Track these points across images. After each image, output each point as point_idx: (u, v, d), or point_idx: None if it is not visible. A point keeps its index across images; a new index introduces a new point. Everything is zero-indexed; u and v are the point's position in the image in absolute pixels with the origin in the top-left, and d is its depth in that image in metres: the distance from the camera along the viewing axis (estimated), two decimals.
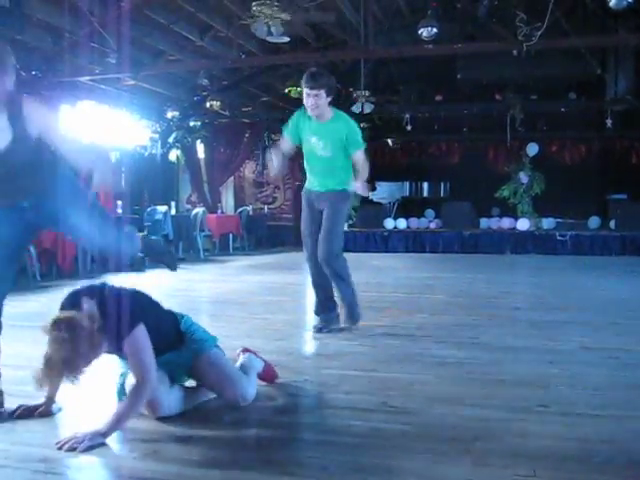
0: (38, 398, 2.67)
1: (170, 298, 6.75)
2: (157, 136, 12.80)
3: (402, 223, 13.90)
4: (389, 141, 15.37)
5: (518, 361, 3.73)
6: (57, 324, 2.32)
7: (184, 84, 12.61)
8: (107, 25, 8.84)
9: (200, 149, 14.53)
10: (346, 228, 14.03)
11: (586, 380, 3.29)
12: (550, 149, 14.76)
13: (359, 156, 4.54)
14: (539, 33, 8.24)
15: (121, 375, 2.74)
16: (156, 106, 12.65)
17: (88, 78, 10.04)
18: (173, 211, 11.78)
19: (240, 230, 13.20)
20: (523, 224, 13.16)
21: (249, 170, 16.01)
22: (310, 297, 4.84)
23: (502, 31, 9.52)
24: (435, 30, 9.21)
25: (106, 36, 8.92)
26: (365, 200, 11.58)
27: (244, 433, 2.57)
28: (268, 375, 3.20)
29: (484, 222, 13.91)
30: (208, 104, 12.30)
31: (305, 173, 4.77)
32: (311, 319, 4.90)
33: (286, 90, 12.18)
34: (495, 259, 11.63)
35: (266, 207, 15.86)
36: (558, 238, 12.50)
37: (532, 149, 13.63)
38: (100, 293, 2.52)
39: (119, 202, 11.05)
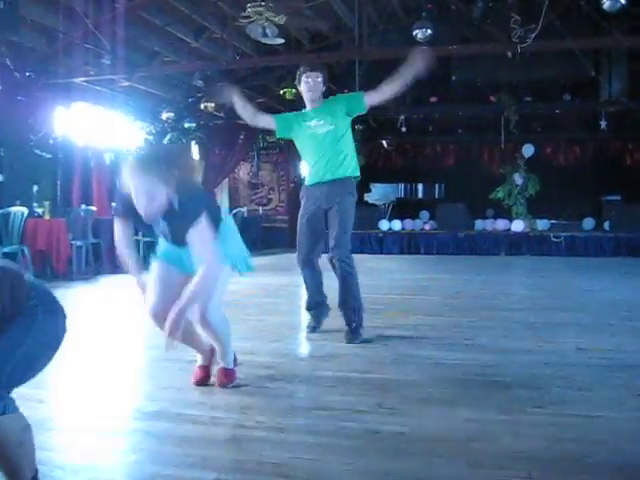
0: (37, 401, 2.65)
1: None
2: (152, 137, 12.77)
3: (397, 224, 13.92)
4: (384, 142, 15.38)
5: (513, 362, 3.73)
6: None
7: (179, 85, 12.60)
8: (101, 26, 8.84)
9: (195, 150, 14.51)
10: None
11: (581, 381, 3.30)
12: (545, 150, 14.79)
13: (371, 96, 4.44)
14: (533, 35, 8.26)
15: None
16: (151, 107, 12.63)
17: (83, 79, 10.02)
18: None
19: None
20: (518, 225, 13.19)
21: (244, 172, 16.00)
22: (305, 299, 4.83)
23: (497, 33, 9.54)
24: (430, 31, 9.23)
25: (100, 37, 8.91)
26: (359, 202, 11.56)
27: (239, 434, 2.57)
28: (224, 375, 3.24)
29: (479, 224, 13.94)
30: (202, 105, 12.29)
31: (300, 176, 4.76)
32: (305, 321, 4.90)
33: (281, 92, 12.19)
34: (490, 260, 11.65)
35: (261, 208, 15.85)
36: (553, 239, 12.53)
37: (528, 150, 13.67)
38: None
39: (113, 204, 11.05)
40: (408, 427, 2.62)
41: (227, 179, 15.79)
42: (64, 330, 1.94)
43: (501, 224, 13.60)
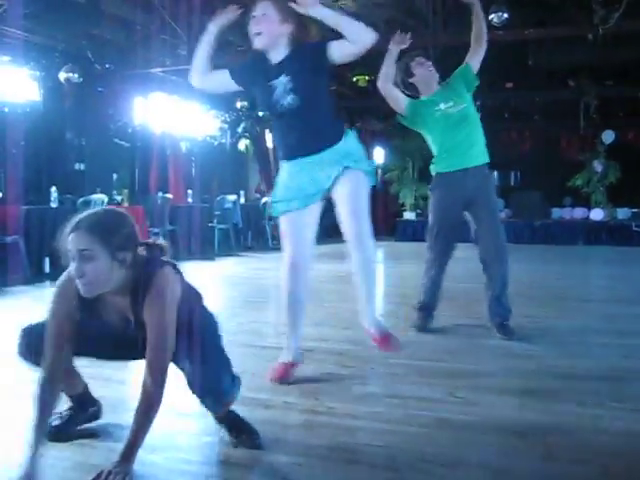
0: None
1: (237, 286, 6.88)
2: (226, 126, 12.96)
3: None
4: None
5: (590, 354, 3.64)
6: None
7: None
8: (178, 17, 9.01)
9: (269, 139, 14.63)
10: (414, 218, 13.99)
11: None
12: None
13: (474, 60, 4.38)
14: (617, 15, 7.93)
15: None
16: (225, 96, 12.80)
17: (160, 70, 10.25)
18: (242, 200, 11.91)
19: None
20: (597, 214, 12.79)
21: None
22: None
23: (576, 14, 9.22)
24: (506, 15, 9.00)
25: (177, 28, 9.10)
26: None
27: (311, 420, 2.59)
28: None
29: (556, 212, 13.58)
30: None
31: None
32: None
33: (354, 79, 12.15)
34: (567, 250, 11.34)
35: None
36: (634, 229, 12.10)
37: (608, 136, 13.19)
38: None
39: (189, 191, 11.29)
40: (480, 417, 2.60)
41: None
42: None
43: (579, 213, 13.22)
